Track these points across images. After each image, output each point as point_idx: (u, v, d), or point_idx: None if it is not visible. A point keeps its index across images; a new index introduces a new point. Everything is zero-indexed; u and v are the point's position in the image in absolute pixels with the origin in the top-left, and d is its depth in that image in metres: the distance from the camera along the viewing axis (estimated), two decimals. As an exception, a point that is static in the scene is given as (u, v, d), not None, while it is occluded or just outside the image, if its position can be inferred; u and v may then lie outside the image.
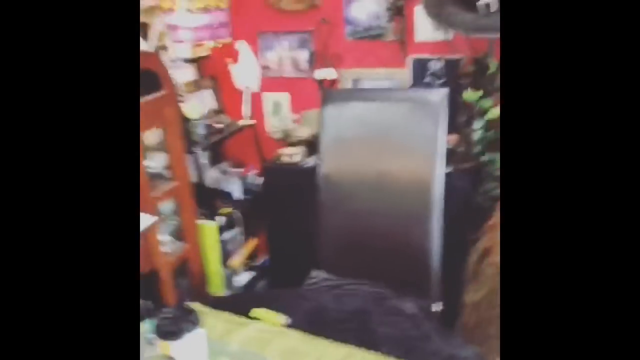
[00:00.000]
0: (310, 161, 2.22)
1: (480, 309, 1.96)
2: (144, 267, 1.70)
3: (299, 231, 2.22)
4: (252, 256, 2.65)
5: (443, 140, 1.57)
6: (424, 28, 2.11)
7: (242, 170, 2.50)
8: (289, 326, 1.24)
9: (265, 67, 2.50)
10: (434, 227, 1.57)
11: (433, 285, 1.56)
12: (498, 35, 1.79)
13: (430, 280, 1.56)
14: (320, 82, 2.36)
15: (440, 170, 1.56)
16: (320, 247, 1.74)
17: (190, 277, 2.09)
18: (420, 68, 2.20)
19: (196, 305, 1.21)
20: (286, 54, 2.45)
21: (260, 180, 2.53)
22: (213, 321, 1.23)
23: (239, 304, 1.38)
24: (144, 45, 2.17)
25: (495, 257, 1.92)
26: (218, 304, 1.35)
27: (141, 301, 0.95)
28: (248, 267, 2.59)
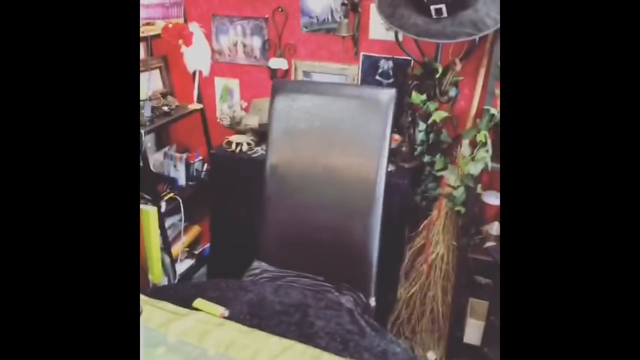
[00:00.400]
0: (259, 151, 2.22)
1: (411, 304, 2.05)
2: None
3: (242, 221, 2.23)
4: (193, 244, 2.63)
5: (389, 139, 1.62)
6: (378, 26, 2.15)
7: (187, 155, 2.46)
8: (228, 317, 1.26)
9: (217, 52, 2.46)
10: (375, 223, 1.60)
11: (371, 281, 1.61)
12: (446, 41, 1.86)
13: (369, 276, 1.61)
14: (274, 72, 2.35)
15: (384, 169, 1.60)
16: (263, 238, 1.75)
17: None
18: (370, 66, 2.24)
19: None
20: (239, 39, 2.42)
21: (206, 166, 2.50)
22: (152, 311, 1.23)
23: (178, 293, 1.37)
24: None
25: (428, 255, 2.02)
26: (157, 293, 1.34)
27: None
28: (188, 255, 2.56)
